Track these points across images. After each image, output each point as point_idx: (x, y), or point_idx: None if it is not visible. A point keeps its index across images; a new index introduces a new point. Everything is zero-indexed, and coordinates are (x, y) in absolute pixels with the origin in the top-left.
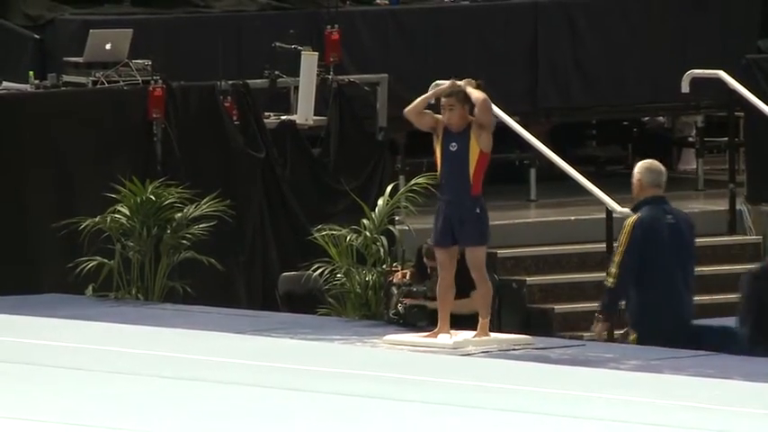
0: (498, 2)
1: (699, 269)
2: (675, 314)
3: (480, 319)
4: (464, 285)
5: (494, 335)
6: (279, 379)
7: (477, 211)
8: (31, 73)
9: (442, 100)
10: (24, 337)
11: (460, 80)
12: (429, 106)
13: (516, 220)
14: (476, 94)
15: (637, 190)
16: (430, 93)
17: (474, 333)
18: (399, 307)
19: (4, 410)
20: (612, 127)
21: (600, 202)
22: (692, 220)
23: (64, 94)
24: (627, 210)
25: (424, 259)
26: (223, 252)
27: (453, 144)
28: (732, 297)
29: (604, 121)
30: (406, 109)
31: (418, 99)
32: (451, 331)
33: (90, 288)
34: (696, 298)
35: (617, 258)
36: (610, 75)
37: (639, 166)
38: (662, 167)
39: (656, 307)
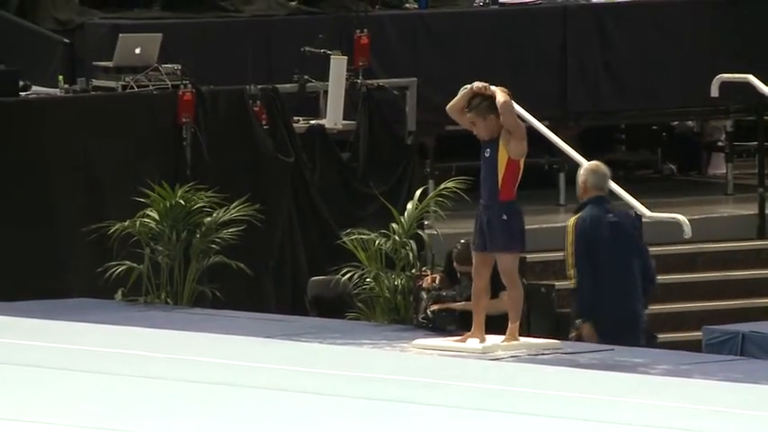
0: (527, 5)
1: (728, 273)
2: (624, 310)
3: (510, 323)
4: (494, 287)
5: (523, 339)
6: (308, 383)
7: (504, 217)
8: (61, 77)
9: (467, 114)
10: (54, 342)
11: (485, 86)
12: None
13: (545, 225)
14: (499, 98)
15: (581, 191)
16: (461, 94)
17: (503, 337)
18: (428, 311)
19: (35, 415)
20: (642, 131)
21: (629, 207)
22: (635, 216)
23: (93, 99)
24: (658, 214)
25: (454, 264)
26: (252, 256)
27: (487, 150)
28: (761, 302)
29: (634, 125)
30: (448, 106)
31: (457, 97)
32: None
33: (119, 292)
34: (725, 302)
35: (570, 260)
36: (639, 79)
37: (585, 169)
38: (606, 170)
39: (605, 304)
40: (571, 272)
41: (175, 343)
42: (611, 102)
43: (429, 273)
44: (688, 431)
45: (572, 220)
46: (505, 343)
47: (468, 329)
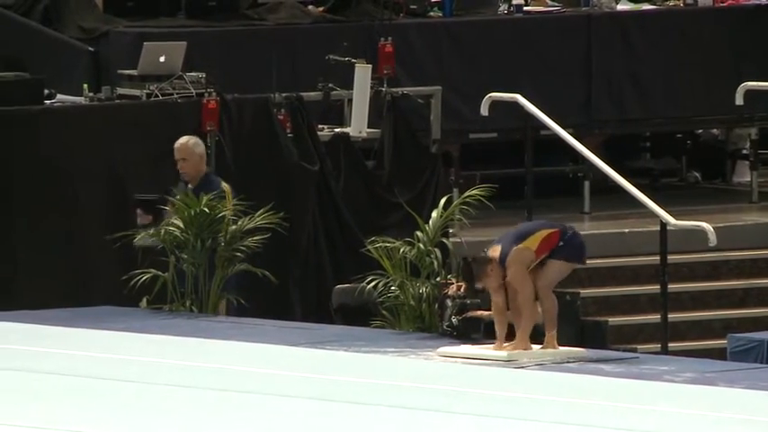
0: (552, 14)
1: (753, 281)
2: None
3: (546, 332)
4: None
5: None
6: (332, 391)
7: None
8: (86, 85)
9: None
10: (79, 350)
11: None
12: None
13: None
14: (514, 285)
15: (198, 166)
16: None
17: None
18: (453, 319)
19: (60, 423)
20: (666, 139)
21: (654, 215)
22: None
23: (118, 107)
24: (683, 222)
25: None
26: (277, 264)
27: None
28: None
29: (658, 133)
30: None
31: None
32: (504, 345)
33: (144, 300)
34: (750, 310)
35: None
36: (663, 87)
37: (194, 145)
38: None
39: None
40: None
41: (200, 351)
42: (635, 110)
43: (454, 281)
44: None
45: (227, 186)
46: (517, 351)
47: (494, 337)
